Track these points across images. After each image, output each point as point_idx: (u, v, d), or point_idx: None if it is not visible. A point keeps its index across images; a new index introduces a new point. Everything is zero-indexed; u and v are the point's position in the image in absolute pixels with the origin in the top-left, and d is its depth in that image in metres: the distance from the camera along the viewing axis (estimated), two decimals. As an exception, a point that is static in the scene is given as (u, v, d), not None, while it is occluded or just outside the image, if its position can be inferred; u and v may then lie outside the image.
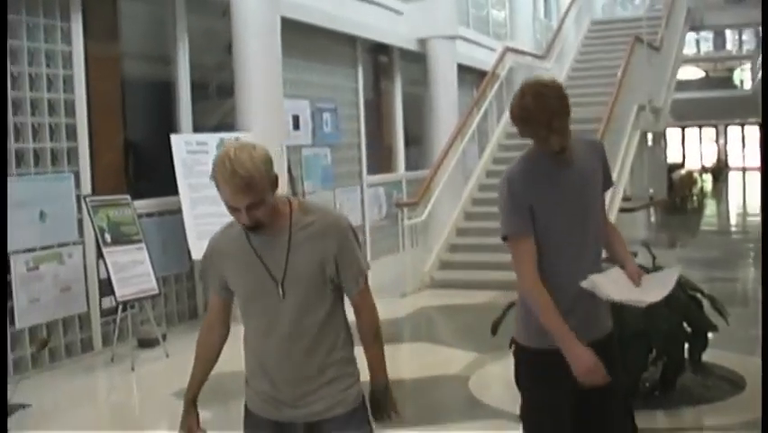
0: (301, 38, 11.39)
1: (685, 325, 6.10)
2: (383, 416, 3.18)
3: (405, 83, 15.18)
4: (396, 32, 14.22)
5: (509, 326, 3.16)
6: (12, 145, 7.51)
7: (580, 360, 3.28)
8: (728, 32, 41.31)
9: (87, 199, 7.95)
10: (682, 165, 28.56)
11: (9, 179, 7.35)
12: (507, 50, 15.11)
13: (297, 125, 11.60)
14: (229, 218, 3.05)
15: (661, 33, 16.29)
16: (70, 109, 8.14)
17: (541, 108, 3.28)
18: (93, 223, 7.89)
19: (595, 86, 15.35)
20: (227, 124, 10.19)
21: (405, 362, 8.06)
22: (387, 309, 9.79)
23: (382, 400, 3.18)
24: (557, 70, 17.27)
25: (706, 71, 44.03)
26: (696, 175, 26.73)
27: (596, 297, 3.37)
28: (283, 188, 10.15)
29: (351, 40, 13.19)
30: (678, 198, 23.19)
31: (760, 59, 34.39)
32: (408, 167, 15.16)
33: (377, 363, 3.17)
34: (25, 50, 7.70)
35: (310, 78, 12.05)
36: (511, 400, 3.96)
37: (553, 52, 17.60)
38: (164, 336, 8.37)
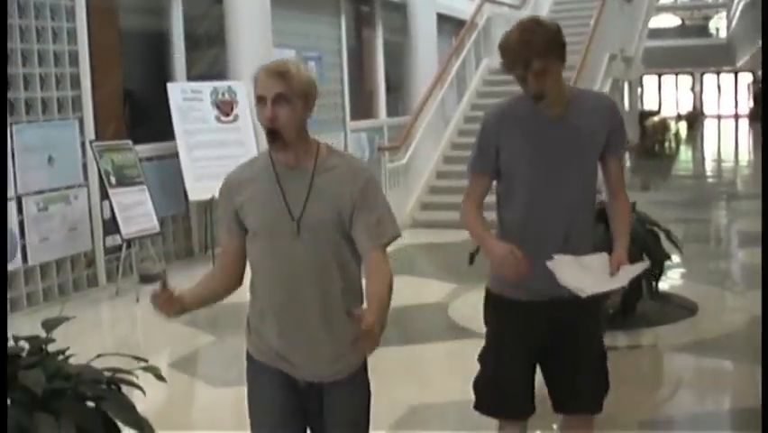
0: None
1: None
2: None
3: (386, 32, 15.65)
4: (377, -19, 14.67)
5: (485, 258, 3.29)
6: (22, 94, 8.04)
7: (493, 253, 3.18)
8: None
9: (93, 144, 8.50)
10: (658, 112, 29.03)
11: (18, 126, 7.92)
12: (485, 0, 15.57)
13: (283, 73, 12.10)
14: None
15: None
16: (74, 60, 8.64)
17: (523, 44, 3.14)
18: (99, 166, 8.44)
19: (569, 35, 15.36)
20: (218, 73, 10.71)
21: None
22: None
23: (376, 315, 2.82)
24: (534, 19, 17.73)
25: (682, 19, 44.46)
26: (669, 122, 27.29)
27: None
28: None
29: (334, -9, 13.65)
30: (651, 144, 23.80)
31: (735, 7, 34.90)
32: (389, 113, 15.70)
33: (380, 304, 2.85)
34: (32, 4, 8.19)
35: (296, 27, 12.53)
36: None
37: (529, 2, 18.01)
38: (164, 271, 8.95)
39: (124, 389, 3.55)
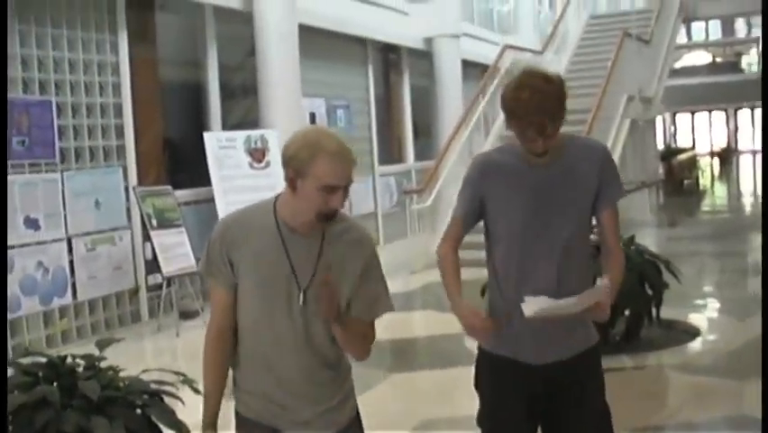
0: (316, 41, 12.53)
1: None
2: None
3: (412, 79, 16.28)
4: (403, 32, 15.35)
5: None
6: (71, 144, 8.76)
7: (459, 315, 3.17)
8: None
9: (137, 190, 9.19)
10: (692, 149, 29.37)
11: (68, 173, 8.62)
12: (507, 47, 16.18)
13: (313, 121, 12.74)
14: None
15: (651, 27, 17.34)
16: (118, 111, 9.36)
17: (536, 107, 2.99)
18: (141, 210, 9.12)
19: (590, 77, 16.23)
20: (251, 121, 11.39)
21: (415, 325, 9.46)
22: (399, 284, 11.35)
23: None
24: (556, 64, 18.33)
25: (713, 56, 44.77)
26: (698, 158, 27.64)
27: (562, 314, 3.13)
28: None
29: (361, 41, 14.35)
30: (679, 180, 24.23)
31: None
32: (417, 157, 16.28)
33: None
34: (81, 60, 8.92)
35: (325, 77, 13.19)
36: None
37: (551, 47, 18.59)
38: (201, 309, 9.56)
39: (166, 399, 4.18)
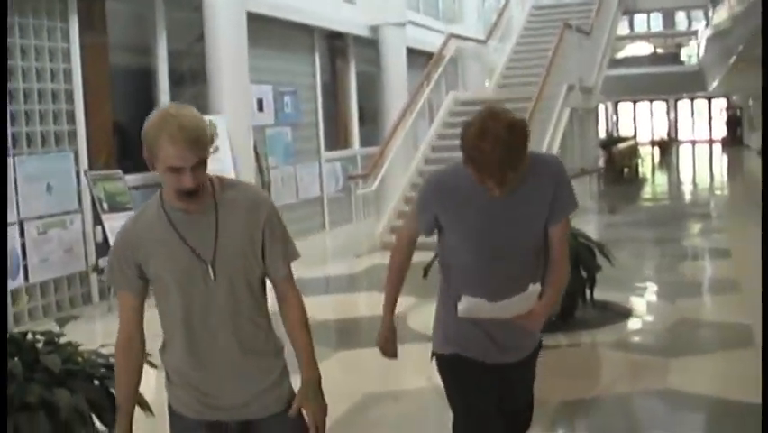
0: (265, 28, 12.78)
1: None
2: (315, 411, 2.92)
3: (359, 66, 16.61)
4: (349, 20, 15.67)
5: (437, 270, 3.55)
6: (23, 129, 8.91)
7: (381, 334, 3.53)
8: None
9: (88, 174, 9.36)
10: (634, 138, 29.93)
11: (20, 157, 8.77)
12: (451, 36, 16.51)
13: (261, 107, 13.02)
14: None
15: (592, 19, 17.77)
16: (69, 97, 9.52)
17: (499, 161, 2.93)
18: (92, 194, 9.29)
19: (532, 66, 16.68)
20: (200, 106, 11.55)
21: (360, 306, 9.77)
22: (344, 267, 11.53)
23: (311, 394, 2.93)
24: (500, 52, 18.74)
25: (655, 48, 45.61)
26: (637, 147, 28.21)
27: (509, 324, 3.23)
28: (251, 165, 11.68)
29: (308, 29, 14.61)
30: (619, 169, 24.75)
31: (702, 35, 36.03)
32: (363, 143, 16.62)
33: (308, 355, 2.95)
34: (33, 47, 9.06)
35: (272, 64, 13.45)
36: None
37: (495, 36, 18.97)
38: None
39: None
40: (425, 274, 7.13)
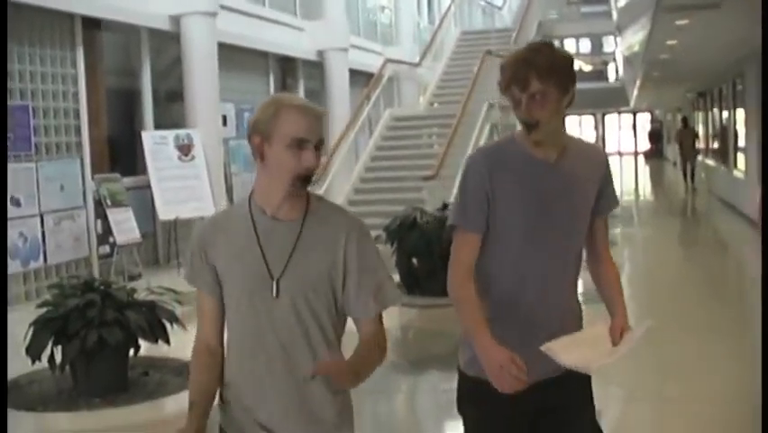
0: (228, 55, 14.91)
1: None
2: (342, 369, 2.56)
3: (307, 86, 18.71)
4: (299, 46, 17.85)
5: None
6: (43, 139, 11.03)
7: (488, 357, 2.74)
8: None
9: (95, 177, 11.50)
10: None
11: (41, 162, 10.87)
12: (387, 60, 18.79)
13: (225, 123, 15.08)
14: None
15: (510, 45, 20.02)
16: (76, 114, 11.67)
17: (523, 62, 2.77)
18: (98, 192, 11.43)
19: (458, 87, 18.80)
20: (177, 122, 13.74)
21: None
22: None
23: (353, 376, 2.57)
24: (432, 73, 20.98)
25: (580, 65, 48.10)
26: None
27: (564, 326, 2.90)
28: (221, 172, 13.81)
29: (264, 54, 16.81)
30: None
31: (619, 57, 38.54)
32: (311, 154, 18.59)
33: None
34: (50, 74, 11.20)
35: (234, 85, 15.56)
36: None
37: (427, 58, 21.16)
38: (140, 274, 11.86)
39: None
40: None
